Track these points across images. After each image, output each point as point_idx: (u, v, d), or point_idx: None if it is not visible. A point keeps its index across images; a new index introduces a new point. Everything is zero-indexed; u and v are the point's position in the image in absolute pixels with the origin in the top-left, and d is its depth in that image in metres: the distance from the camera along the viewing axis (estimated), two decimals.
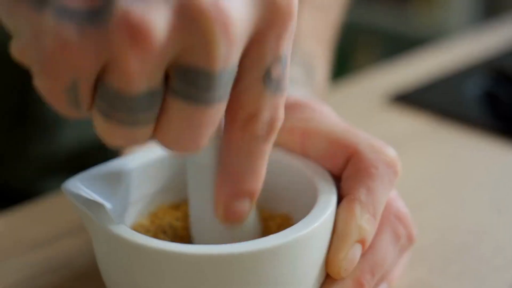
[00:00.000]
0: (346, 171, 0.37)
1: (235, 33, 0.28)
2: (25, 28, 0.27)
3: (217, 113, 0.30)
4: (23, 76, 0.59)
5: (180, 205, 0.39)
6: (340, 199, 0.36)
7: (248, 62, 0.31)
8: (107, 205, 0.34)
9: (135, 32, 0.26)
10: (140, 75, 0.27)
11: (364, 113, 0.65)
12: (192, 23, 0.27)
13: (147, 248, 0.31)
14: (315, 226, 0.33)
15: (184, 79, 0.28)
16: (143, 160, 0.38)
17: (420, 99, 0.65)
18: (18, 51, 0.28)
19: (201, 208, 0.35)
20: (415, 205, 0.44)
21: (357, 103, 0.66)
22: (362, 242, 0.35)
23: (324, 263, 0.34)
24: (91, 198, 0.34)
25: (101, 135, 0.30)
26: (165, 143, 0.30)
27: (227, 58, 0.28)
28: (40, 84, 0.28)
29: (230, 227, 0.34)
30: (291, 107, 0.39)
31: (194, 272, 0.31)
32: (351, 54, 1.89)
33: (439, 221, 0.48)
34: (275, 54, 0.31)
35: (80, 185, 0.35)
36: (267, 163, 0.33)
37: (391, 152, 0.37)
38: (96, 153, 0.67)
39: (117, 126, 0.29)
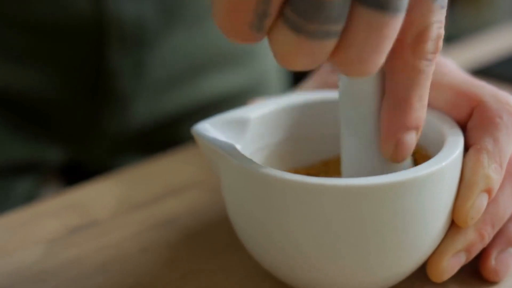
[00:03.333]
0: (471, 122, 0.37)
1: None
2: None
3: (399, 25, 0.29)
4: (97, 49, 0.61)
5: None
6: (466, 149, 0.36)
7: None
8: (237, 146, 0.35)
9: None
10: None
11: None
12: None
13: (285, 181, 0.32)
14: (444, 164, 0.33)
15: None
16: (268, 109, 0.39)
17: (499, 72, 0.66)
18: None
19: (358, 146, 0.35)
20: None
21: None
22: (488, 191, 0.35)
23: (451, 209, 0.34)
24: (220, 138, 0.35)
25: (282, 56, 0.28)
26: (346, 61, 0.29)
27: None
28: (223, 15, 0.27)
29: (391, 164, 0.34)
30: None
31: (329, 204, 0.31)
32: None
33: None
34: None
35: (209, 127, 0.36)
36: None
37: None
38: (168, 130, 0.68)
39: (305, 41, 0.28)
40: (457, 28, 1.75)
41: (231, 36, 0.28)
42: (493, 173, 0.35)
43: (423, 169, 0.32)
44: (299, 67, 0.28)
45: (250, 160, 0.33)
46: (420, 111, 0.33)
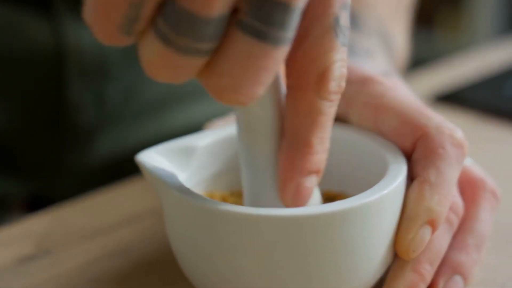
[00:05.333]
0: (415, 153, 0.36)
1: None
2: None
3: (281, 58, 0.27)
4: (56, 81, 0.60)
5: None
6: (411, 180, 0.36)
7: (317, 7, 0.29)
8: (180, 175, 0.35)
9: None
10: None
11: None
12: None
13: (217, 211, 0.31)
14: (386, 192, 0.33)
15: (258, 11, 0.26)
16: (216, 137, 0.38)
17: (463, 98, 0.66)
18: None
19: (256, 182, 0.33)
20: None
21: None
22: (431, 223, 0.34)
23: (393, 238, 0.34)
24: (164, 167, 0.35)
25: (147, 64, 0.27)
26: (216, 86, 0.27)
27: None
28: (93, 15, 0.26)
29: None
30: (364, 82, 0.38)
31: (267, 234, 0.31)
32: None
33: None
34: (342, 0, 0.29)
35: (155, 155, 0.36)
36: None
37: (458, 133, 0.37)
38: (131, 163, 0.67)
39: (173, 54, 0.26)
40: (435, 51, 1.76)
41: (99, 36, 0.27)
42: (436, 205, 0.34)
43: (363, 197, 0.32)
44: (164, 78, 0.27)
45: (189, 191, 0.33)
46: (321, 154, 0.31)
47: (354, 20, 0.49)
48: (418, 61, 0.77)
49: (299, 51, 0.29)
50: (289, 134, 0.31)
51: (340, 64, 0.30)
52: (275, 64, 0.27)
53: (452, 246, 0.37)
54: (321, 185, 0.35)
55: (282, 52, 0.27)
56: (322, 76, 0.30)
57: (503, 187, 0.50)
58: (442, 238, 0.36)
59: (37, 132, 0.62)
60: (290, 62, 0.30)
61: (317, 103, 0.30)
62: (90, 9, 0.26)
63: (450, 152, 0.36)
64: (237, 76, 0.27)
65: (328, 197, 0.38)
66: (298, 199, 0.31)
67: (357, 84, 0.38)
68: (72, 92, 0.60)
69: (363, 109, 0.38)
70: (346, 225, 0.32)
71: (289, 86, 0.31)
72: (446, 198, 0.35)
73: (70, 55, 0.59)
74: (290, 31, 0.27)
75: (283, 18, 0.26)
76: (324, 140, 0.31)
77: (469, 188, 0.39)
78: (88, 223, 0.47)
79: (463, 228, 0.38)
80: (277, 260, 0.32)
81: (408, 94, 0.39)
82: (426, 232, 0.34)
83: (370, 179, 0.36)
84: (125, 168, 0.65)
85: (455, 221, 0.37)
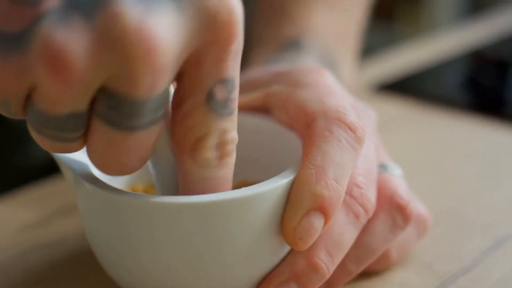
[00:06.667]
0: (303, 140, 0.35)
1: (161, 59, 0.26)
2: None
3: (146, 138, 0.29)
4: None
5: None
6: None
7: (188, 83, 0.30)
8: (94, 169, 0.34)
9: (55, 61, 0.25)
10: (62, 99, 0.27)
11: None
12: (114, 49, 0.26)
13: (128, 200, 0.31)
14: (263, 190, 0.32)
15: (108, 103, 0.27)
16: None
17: (406, 86, 0.67)
18: None
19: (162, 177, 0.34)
20: None
21: None
22: (321, 209, 0.32)
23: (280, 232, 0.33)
24: (80, 160, 0.35)
25: (34, 139, 0.29)
26: (94, 163, 0.30)
27: (153, 85, 0.27)
28: None
29: None
30: (282, 74, 0.38)
31: (186, 222, 0.31)
32: None
33: (425, 189, 0.48)
34: (217, 76, 0.29)
35: None
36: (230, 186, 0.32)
37: (350, 117, 0.34)
38: None
39: (47, 139, 0.29)
40: (395, 44, 1.77)
41: None
42: (324, 189, 0.32)
43: (267, 184, 0.32)
44: (49, 151, 0.30)
45: (101, 182, 0.33)
46: None
47: (298, 48, 0.48)
48: (372, 52, 0.77)
49: (177, 118, 0.30)
50: (181, 191, 0.32)
51: (219, 133, 0.30)
52: (141, 144, 0.29)
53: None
54: (238, 175, 0.36)
55: (144, 134, 0.28)
56: (196, 145, 0.30)
57: (441, 166, 0.52)
58: (344, 229, 0.34)
59: None
60: (173, 125, 0.31)
61: (194, 168, 0.31)
62: None
63: (337, 135, 0.33)
64: (103, 158, 0.29)
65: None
66: None
67: (278, 76, 0.39)
68: None
69: (278, 101, 0.37)
70: (252, 210, 0.31)
71: (175, 147, 0.32)
72: (337, 182, 0.32)
73: None
74: (147, 116, 0.28)
75: (132, 110, 0.27)
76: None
77: (378, 197, 0.37)
78: (22, 215, 0.47)
79: None
80: (194, 245, 0.32)
81: (324, 83, 0.37)
82: (315, 219, 0.32)
83: (284, 168, 0.36)
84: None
85: (363, 215, 0.35)
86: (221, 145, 0.31)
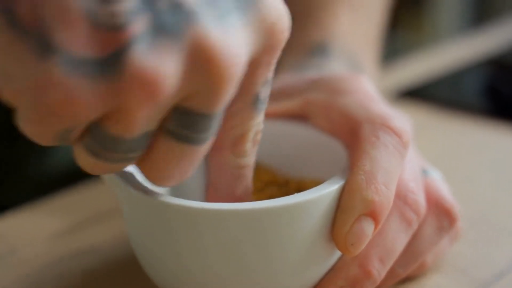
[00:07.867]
0: (349, 147, 0.35)
1: (238, 74, 0.27)
2: (22, 73, 0.25)
3: (207, 148, 0.30)
4: None
5: None
6: None
7: (241, 89, 0.30)
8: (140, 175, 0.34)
9: (149, 87, 0.26)
10: (143, 122, 0.27)
11: None
12: (201, 70, 0.26)
13: (176, 206, 0.31)
14: (314, 196, 0.32)
15: (182, 121, 0.28)
16: None
17: (426, 94, 0.67)
18: (10, 93, 0.26)
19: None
20: None
21: None
22: (372, 215, 0.32)
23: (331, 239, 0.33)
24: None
25: (81, 165, 0.29)
26: (150, 178, 0.30)
27: (228, 99, 0.28)
28: (28, 127, 0.27)
29: None
30: (320, 81, 0.39)
31: (233, 229, 0.31)
32: None
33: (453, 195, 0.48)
34: (265, 79, 0.30)
35: None
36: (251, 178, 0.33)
37: (395, 122, 0.35)
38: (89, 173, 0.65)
39: (105, 163, 0.29)
40: (398, 51, 1.78)
41: (35, 140, 0.28)
42: (374, 194, 0.32)
43: (317, 191, 0.32)
44: (98, 174, 0.30)
45: (148, 189, 0.32)
46: (247, 199, 0.33)
47: (325, 53, 0.49)
48: (382, 61, 0.77)
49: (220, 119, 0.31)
50: (213, 183, 0.33)
51: (257, 127, 0.32)
52: (202, 155, 0.29)
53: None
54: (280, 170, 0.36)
55: (208, 144, 0.29)
56: (238, 140, 0.32)
57: (461, 176, 0.52)
58: (397, 236, 0.34)
59: None
60: None
61: (234, 161, 0.32)
62: (24, 124, 0.27)
63: (383, 140, 0.34)
64: (165, 172, 0.29)
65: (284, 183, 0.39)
66: None
67: (316, 84, 0.39)
68: None
69: (319, 109, 0.38)
70: (303, 217, 0.32)
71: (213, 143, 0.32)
72: (386, 187, 0.33)
73: None
74: (215, 128, 0.29)
75: (206, 125, 0.28)
76: (248, 188, 0.33)
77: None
78: (53, 223, 0.47)
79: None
80: (243, 253, 0.32)
81: (365, 89, 0.38)
82: (366, 224, 0.32)
83: (329, 174, 0.36)
84: (82, 178, 0.65)
85: (415, 221, 0.35)
86: (256, 136, 0.32)
